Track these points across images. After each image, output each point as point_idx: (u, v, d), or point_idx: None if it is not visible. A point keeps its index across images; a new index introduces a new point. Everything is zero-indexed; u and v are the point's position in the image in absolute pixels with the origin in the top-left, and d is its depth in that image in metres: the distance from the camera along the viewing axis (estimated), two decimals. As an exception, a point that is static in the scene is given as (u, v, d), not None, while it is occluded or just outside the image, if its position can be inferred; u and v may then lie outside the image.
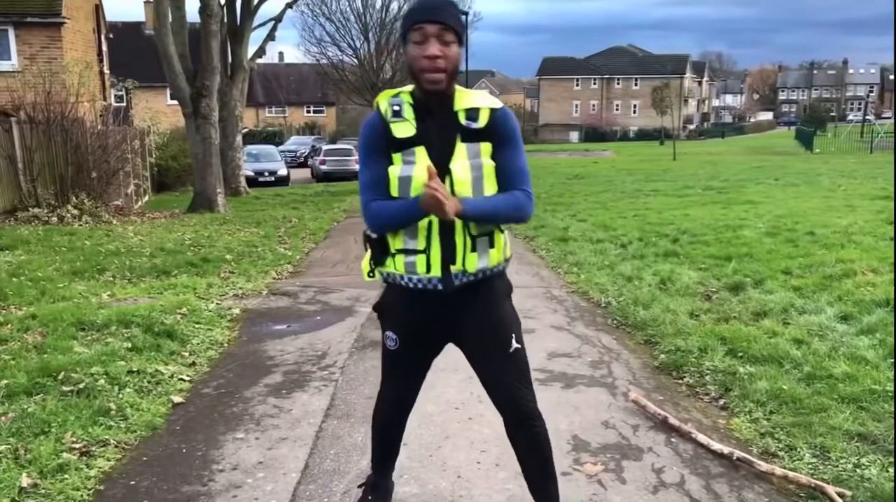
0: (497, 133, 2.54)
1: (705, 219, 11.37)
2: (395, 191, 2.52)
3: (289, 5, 23.08)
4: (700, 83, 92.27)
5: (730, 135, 75.16)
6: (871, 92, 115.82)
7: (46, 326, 5.63)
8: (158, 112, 26.05)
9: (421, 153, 2.51)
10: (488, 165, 2.53)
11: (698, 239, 9.44)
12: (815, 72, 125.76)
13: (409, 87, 2.59)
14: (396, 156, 2.53)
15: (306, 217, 14.37)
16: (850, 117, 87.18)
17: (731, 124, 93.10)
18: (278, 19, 21.92)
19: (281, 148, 36.06)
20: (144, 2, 40.31)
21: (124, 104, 26.52)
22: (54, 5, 18.18)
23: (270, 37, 22.00)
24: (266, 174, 26.52)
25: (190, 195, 17.28)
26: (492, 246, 2.59)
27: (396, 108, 2.54)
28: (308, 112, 58.94)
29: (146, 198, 19.23)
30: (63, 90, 14.23)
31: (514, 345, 2.64)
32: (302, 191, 22.10)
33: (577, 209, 14.04)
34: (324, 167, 28.86)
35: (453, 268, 2.55)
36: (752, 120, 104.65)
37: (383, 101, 2.59)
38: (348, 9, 42.38)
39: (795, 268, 7.30)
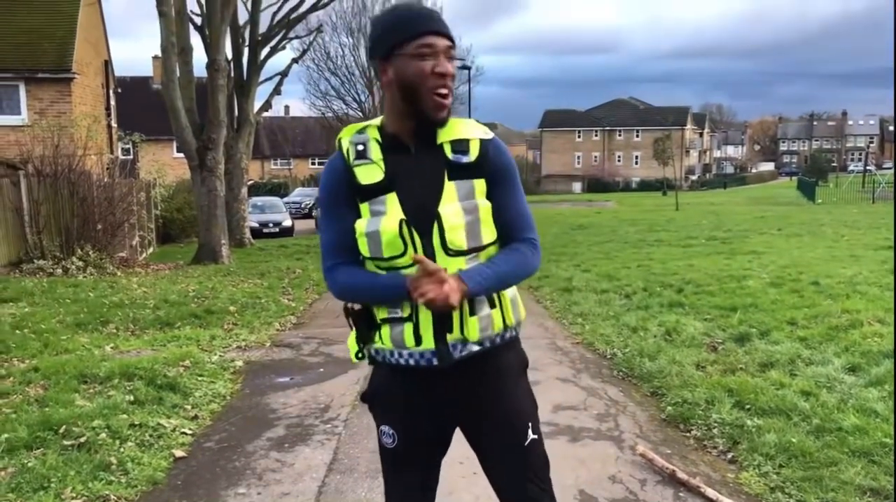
0: (491, 168, 2.11)
1: (709, 269, 11.36)
2: (364, 250, 2.08)
3: (295, 60, 23.54)
4: (701, 134, 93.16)
5: (732, 186, 75.57)
6: (871, 143, 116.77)
7: (48, 379, 5.61)
8: (165, 164, 26.30)
9: (392, 201, 2.05)
10: (484, 206, 2.08)
11: (703, 289, 9.41)
12: (815, 123, 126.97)
13: (377, 121, 2.15)
14: (364, 207, 2.08)
15: (310, 268, 14.39)
16: (851, 167, 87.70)
17: (732, 175, 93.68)
18: (284, 74, 22.31)
19: (286, 199, 36.31)
20: (153, 57, 41.04)
21: (131, 157, 26.80)
22: (65, 62, 18.54)
23: (277, 91, 22.36)
24: (270, 225, 26.65)
25: (194, 246, 17.34)
26: (493, 305, 2.10)
27: (360, 147, 2.09)
28: (313, 164, 59.50)
29: (151, 249, 19.30)
30: (71, 143, 14.41)
31: (531, 436, 2.16)
32: (306, 242, 22.18)
33: (581, 259, 14.04)
34: (328, 218, 29.02)
35: (450, 338, 2.06)
36: (754, 170, 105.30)
37: (346, 138, 2.15)
38: (353, 63, 43.11)
39: (801, 318, 7.26)
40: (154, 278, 12.64)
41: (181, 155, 18.11)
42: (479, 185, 2.09)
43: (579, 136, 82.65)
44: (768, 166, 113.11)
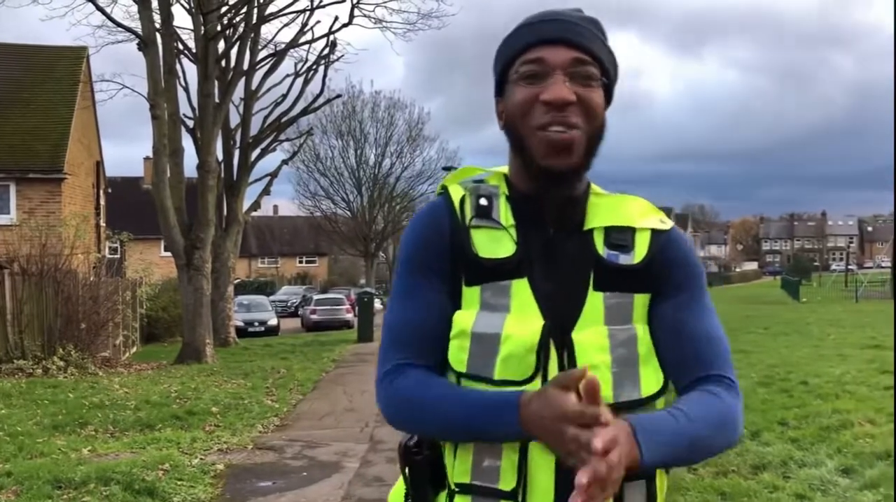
0: (667, 275, 1.36)
1: (697, 368, 11.29)
2: (457, 360, 1.31)
3: (285, 162, 23.92)
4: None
5: (717, 285, 76.09)
6: (851, 243, 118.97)
7: (21, 484, 5.42)
8: (152, 263, 26.33)
9: (522, 293, 1.31)
10: (645, 339, 1.33)
11: (692, 389, 9.33)
12: (795, 223, 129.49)
13: (503, 167, 1.44)
14: (472, 293, 1.33)
15: (295, 367, 14.21)
16: (834, 267, 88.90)
17: (717, 274, 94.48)
18: (274, 175, 22.62)
19: (272, 298, 36.24)
20: (144, 158, 41.69)
21: (118, 256, 26.83)
22: (57, 163, 18.78)
23: (266, 191, 22.62)
24: (256, 324, 26.48)
25: (178, 346, 17.14)
26: (651, 497, 1.31)
27: (484, 201, 1.36)
28: (300, 262, 59.72)
29: (134, 348, 19.05)
30: (59, 243, 14.44)
31: None
32: (291, 341, 21.97)
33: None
34: (314, 316, 28.93)
35: None
36: (738, 270, 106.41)
37: (456, 184, 1.42)
38: (342, 165, 44.01)
39: (791, 418, 7.19)
40: (136, 378, 12.43)
41: (168, 254, 18.17)
42: (641, 304, 1.35)
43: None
44: (752, 265, 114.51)
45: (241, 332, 23.43)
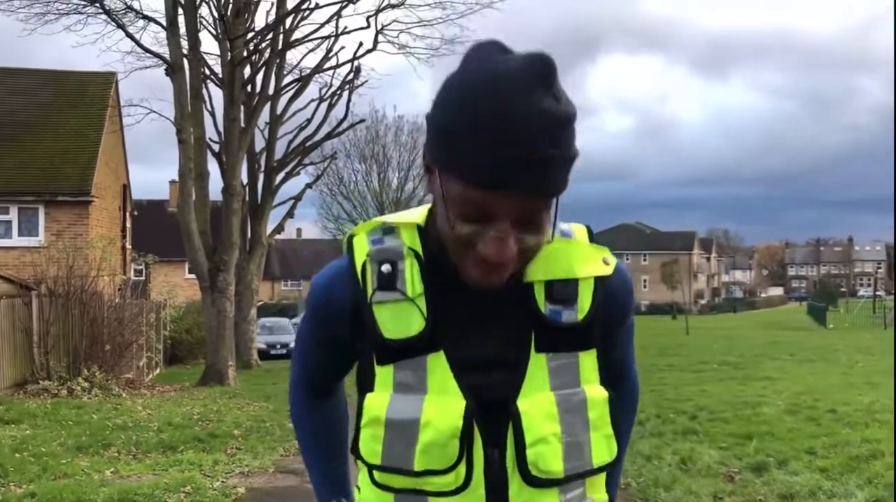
0: (612, 323, 1.28)
1: (723, 395, 11.15)
2: (370, 451, 1.21)
3: (308, 186, 24.08)
4: (709, 259, 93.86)
5: (741, 310, 75.37)
6: (879, 268, 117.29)
7: (45, 505, 5.45)
8: (176, 285, 26.58)
9: (438, 367, 1.18)
10: (597, 399, 1.23)
11: (717, 416, 9.21)
12: (821, 248, 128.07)
13: (416, 216, 1.25)
14: (384, 373, 1.20)
15: (317, 391, 14.20)
16: (861, 293, 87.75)
17: (742, 299, 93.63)
18: (298, 198, 22.78)
19: (294, 320, 36.38)
20: (170, 182, 42.22)
21: (143, 278, 27.10)
22: (85, 186, 19.05)
23: (289, 214, 22.78)
24: (278, 346, 26.58)
25: (201, 368, 17.23)
26: None
27: (387, 267, 1.19)
28: (323, 285, 59.91)
29: (157, 370, 19.17)
30: (85, 264, 14.61)
31: None
32: (313, 365, 21.98)
33: (592, 384, 13.81)
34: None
35: None
36: (763, 295, 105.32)
37: (363, 241, 1.24)
38: (365, 188, 44.22)
39: (819, 447, 7.06)
40: (159, 400, 12.49)
41: (193, 276, 18.33)
42: (589, 362, 1.23)
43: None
44: (777, 291, 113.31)
45: (264, 355, 23.51)
